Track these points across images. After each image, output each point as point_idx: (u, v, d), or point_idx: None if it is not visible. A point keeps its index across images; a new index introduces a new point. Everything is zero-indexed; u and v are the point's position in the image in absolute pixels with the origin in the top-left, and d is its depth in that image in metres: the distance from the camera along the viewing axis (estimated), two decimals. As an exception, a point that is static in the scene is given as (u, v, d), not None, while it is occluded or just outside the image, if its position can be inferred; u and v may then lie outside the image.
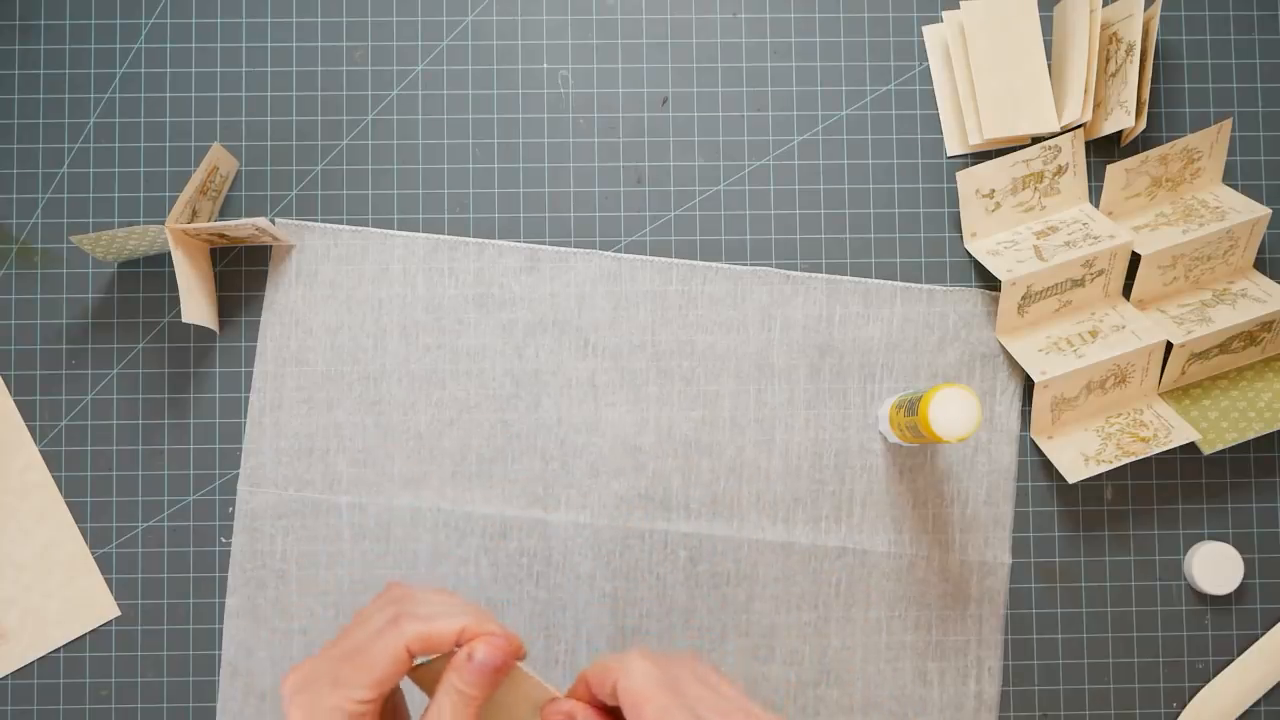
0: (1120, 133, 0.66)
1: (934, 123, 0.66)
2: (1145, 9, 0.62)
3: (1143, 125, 0.64)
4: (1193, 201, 0.65)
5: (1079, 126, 0.64)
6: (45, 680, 0.64)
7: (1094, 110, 0.64)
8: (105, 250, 0.61)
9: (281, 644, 0.64)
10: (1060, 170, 0.65)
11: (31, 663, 0.64)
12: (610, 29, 0.67)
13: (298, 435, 0.64)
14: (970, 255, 0.66)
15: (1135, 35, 0.62)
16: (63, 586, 0.64)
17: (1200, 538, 0.65)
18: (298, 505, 0.64)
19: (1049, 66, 0.65)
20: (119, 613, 0.64)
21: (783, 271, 0.65)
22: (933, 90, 0.66)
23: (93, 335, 0.65)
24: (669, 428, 0.65)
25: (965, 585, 0.65)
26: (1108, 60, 0.64)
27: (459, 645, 0.42)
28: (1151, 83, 0.65)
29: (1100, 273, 0.64)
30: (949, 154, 0.66)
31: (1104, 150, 0.66)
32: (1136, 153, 0.65)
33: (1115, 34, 0.64)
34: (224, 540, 0.64)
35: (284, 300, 0.65)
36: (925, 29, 0.66)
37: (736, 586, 0.64)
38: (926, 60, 0.67)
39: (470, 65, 0.66)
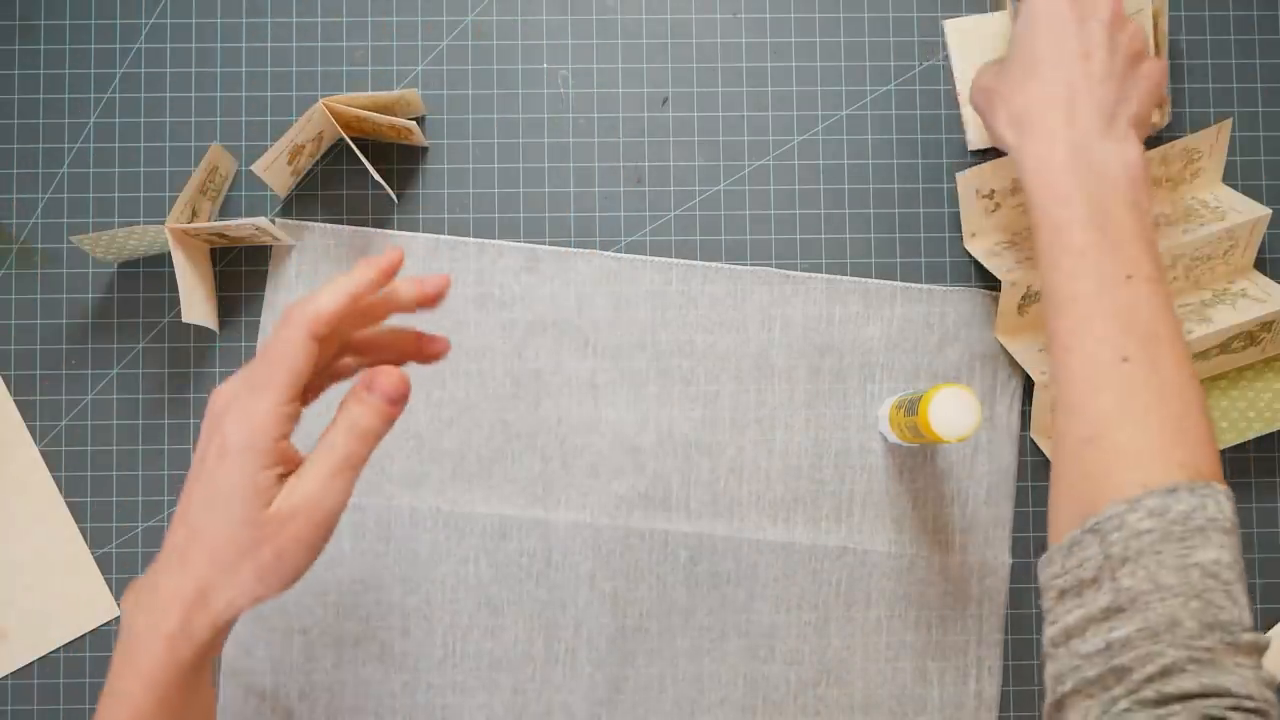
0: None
1: (934, 122, 0.66)
2: (1152, 1, 0.62)
3: (1168, 119, 0.64)
4: (1193, 202, 0.65)
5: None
6: (45, 680, 0.64)
7: None
8: (105, 250, 0.61)
9: (281, 644, 0.64)
10: (1060, 170, 0.65)
11: (31, 663, 0.64)
12: (610, 29, 0.67)
13: (297, 435, 0.64)
14: (970, 255, 0.66)
15: (1147, 31, 0.62)
16: (63, 586, 0.64)
17: (1200, 538, 0.65)
18: (298, 505, 0.64)
19: None
20: (119, 613, 0.64)
21: (783, 271, 0.65)
22: (955, 87, 0.66)
23: (93, 335, 0.65)
24: (669, 428, 0.65)
25: (965, 585, 0.65)
26: None
27: (357, 302, 0.44)
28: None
29: (1100, 273, 0.64)
30: (971, 149, 0.66)
31: (1104, 150, 0.66)
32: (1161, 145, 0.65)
33: None
34: (224, 540, 0.64)
35: (284, 300, 0.65)
36: (947, 23, 0.66)
37: (736, 586, 0.64)
38: (926, 60, 0.66)
39: (470, 65, 0.66)
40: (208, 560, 0.42)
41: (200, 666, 0.44)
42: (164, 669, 0.42)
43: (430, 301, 0.47)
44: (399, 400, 0.44)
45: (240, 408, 0.42)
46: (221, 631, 0.44)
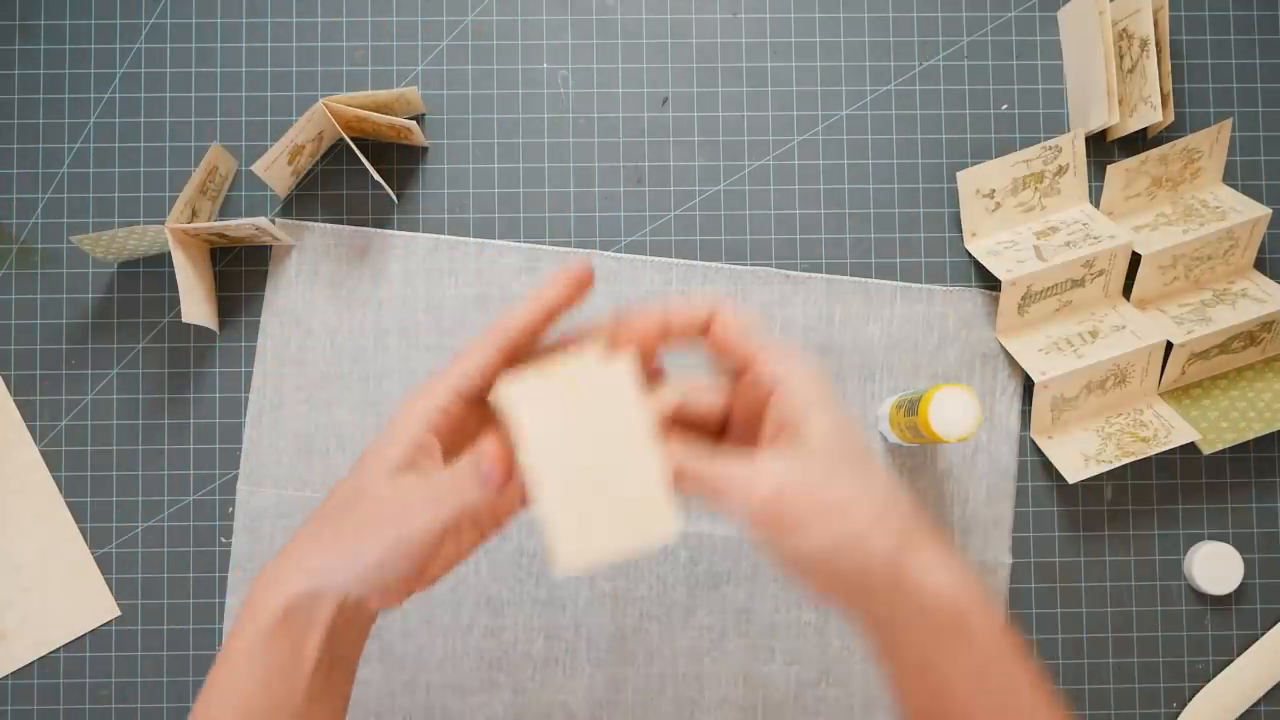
0: (1107, 130, 0.66)
1: (934, 122, 0.66)
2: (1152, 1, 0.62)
3: (1170, 118, 0.64)
4: (1193, 201, 0.65)
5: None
6: (45, 680, 0.64)
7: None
8: (105, 250, 0.61)
9: (281, 644, 0.64)
10: (1061, 170, 0.65)
11: (31, 663, 0.64)
12: (610, 29, 0.67)
13: (298, 435, 0.64)
14: (970, 255, 0.66)
15: (1147, 29, 0.62)
16: (63, 586, 0.64)
17: (1200, 538, 0.65)
18: (298, 505, 0.64)
19: (1063, 72, 0.64)
20: (119, 613, 0.64)
21: (783, 271, 0.65)
22: (1063, 73, 0.66)
23: (93, 335, 0.65)
24: (669, 428, 0.64)
25: (965, 585, 0.64)
26: (1121, 58, 0.64)
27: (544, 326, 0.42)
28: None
29: (1100, 273, 0.64)
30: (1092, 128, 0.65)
31: (1104, 150, 0.66)
32: (1161, 144, 0.65)
33: (1125, 30, 0.63)
34: (224, 540, 0.64)
35: (284, 300, 0.65)
36: (1060, 13, 0.66)
37: (736, 586, 0.64)
38: (926, 60, 0.66)
39: (470, 65, 0.66)
40: (310, 520, 0.42)
41: (276, 637, 0.40)
42: (242, 632, 0.41)
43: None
44: (499, 484, 0.40)
45: (405, 400, 0.42)
46: (300, 609, 0.40)
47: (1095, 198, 0.66)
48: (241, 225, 0.60)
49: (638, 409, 0.37)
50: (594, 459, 0.36)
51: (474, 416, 0.42)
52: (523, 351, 0.42)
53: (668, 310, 0.41)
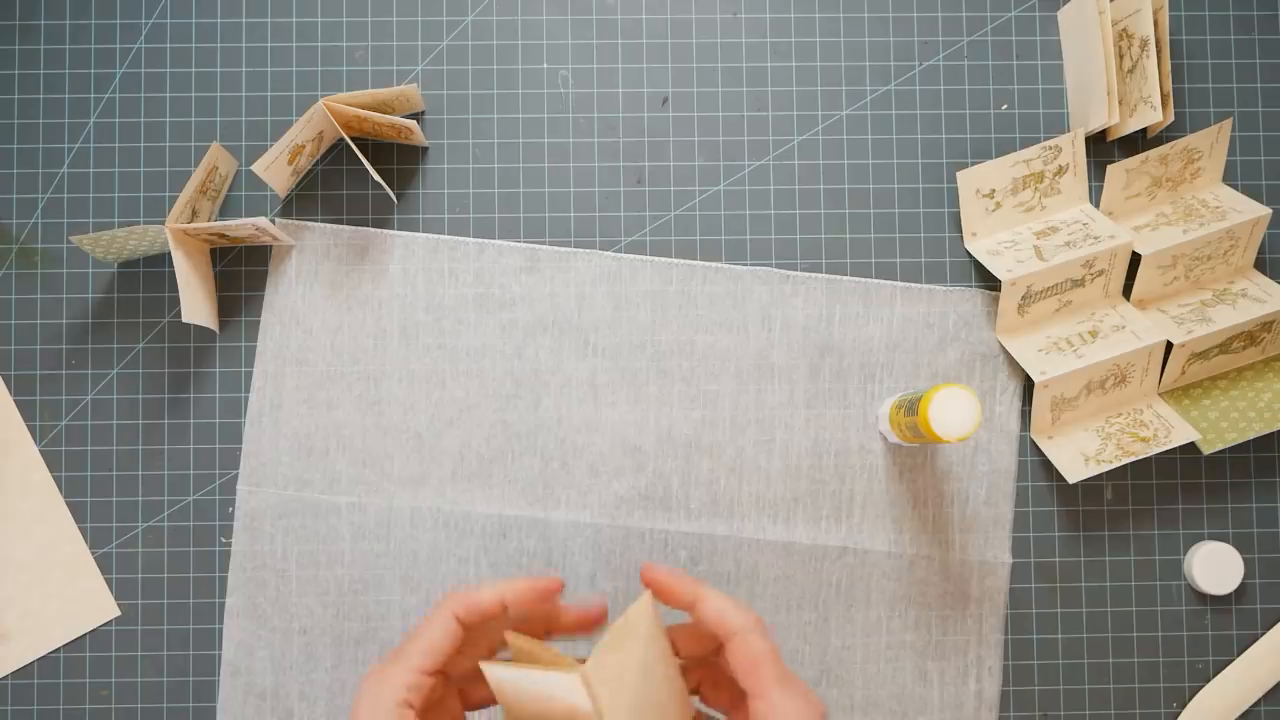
0: (1107, 130, 0.66)
1: (934, 122, 0.66)
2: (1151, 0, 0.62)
3: (1170, 117, 0.64)
4: (1193, 201, 0.65)
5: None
6: (45, 680, 0.64)
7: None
8: (105, 250, 0.61)
9: (281, 644, 0.64)
10: (1060, 170, 0.65)
11: (31, 663, 0.64)
12: (610, 29, 0.67)
13: (298, 435, 0.64)
14: (970, 255, 0.66)
15: (1147, 29, 0.62)
16: (63, 586, 0.64)
17: (1200, 538, 0.65)
18: (298, 505, 0.64)
19: (1063, 72, 0.64)
20: (119, 613, 0.64)
21: (783, 271, 0.65)
22: (1062, 72, 0.66)
23: (93, 335, 0.65)
24: (669, 428, 0.65)
25: (965, 585, 0.65)
26: (1121, 58, 0.64)
27: (505, 610, 0.46)
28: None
29: (1100, 273, 0.64)
30: (1091, 128, 0.65)
31: (1104, 150, 0.66)
32: (1161, 144, 0.65)
33: (1125, 30, 0.63)
34: (224, 540, 0.64)
35: (284, 300, 0.65)
36: (1060, 13, 0.66)
37: (736, 586, 0.64)
38: (926, 60, 0.66)
39: (470, 65, 0.66)
40: None
41: None
42: None
43: (591, 626, 0.49)
44: None
45: (374, 673, 0.44)
46: None
47: (1095, 198, 0.66)
48: (241, 225, 0.60)
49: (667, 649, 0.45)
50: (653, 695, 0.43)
51: (438, 685, 0.45)
52: (476, 630, 0.46)
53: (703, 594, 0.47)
